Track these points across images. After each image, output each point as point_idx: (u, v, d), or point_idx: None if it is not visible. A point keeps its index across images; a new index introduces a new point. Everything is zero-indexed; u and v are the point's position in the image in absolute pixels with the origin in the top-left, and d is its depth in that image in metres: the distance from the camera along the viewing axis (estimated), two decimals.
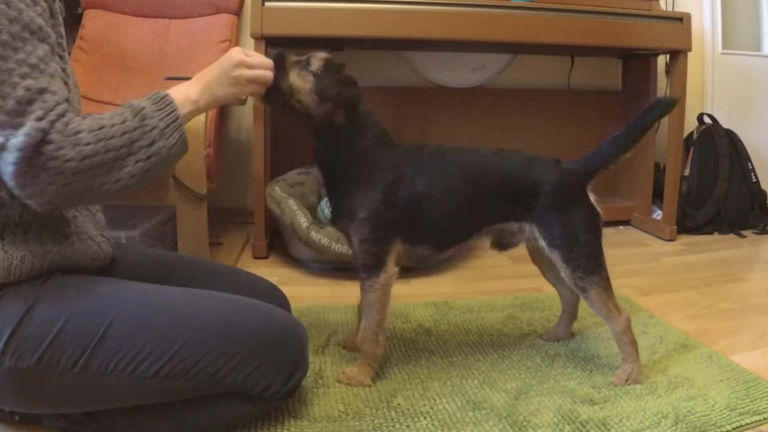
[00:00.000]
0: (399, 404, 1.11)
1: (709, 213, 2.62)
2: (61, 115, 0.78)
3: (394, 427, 1.04)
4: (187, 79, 1.94)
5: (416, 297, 1.66)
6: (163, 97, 0.92)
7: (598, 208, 1.19)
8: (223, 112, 2.29)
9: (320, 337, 1.40)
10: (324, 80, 1.11)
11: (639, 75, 2.69)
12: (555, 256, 1.16)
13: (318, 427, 1.04)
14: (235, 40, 2.32)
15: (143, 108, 0.88)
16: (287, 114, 1.15)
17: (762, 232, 2.63)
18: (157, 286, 1.00)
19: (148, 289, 0.97)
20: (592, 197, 1.20)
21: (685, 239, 2.50)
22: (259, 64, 1.06)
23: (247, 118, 2.50)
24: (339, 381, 1.19)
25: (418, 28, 2.09)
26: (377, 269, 1.16)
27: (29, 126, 0.74)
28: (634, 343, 1.20)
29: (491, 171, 1.18)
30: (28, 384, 0.86)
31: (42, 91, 0.77)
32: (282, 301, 1.21)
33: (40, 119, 0.75)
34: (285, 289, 1.25)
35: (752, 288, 1.89)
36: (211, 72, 1.02)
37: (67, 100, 0.80)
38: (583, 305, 1.40)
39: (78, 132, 0.78)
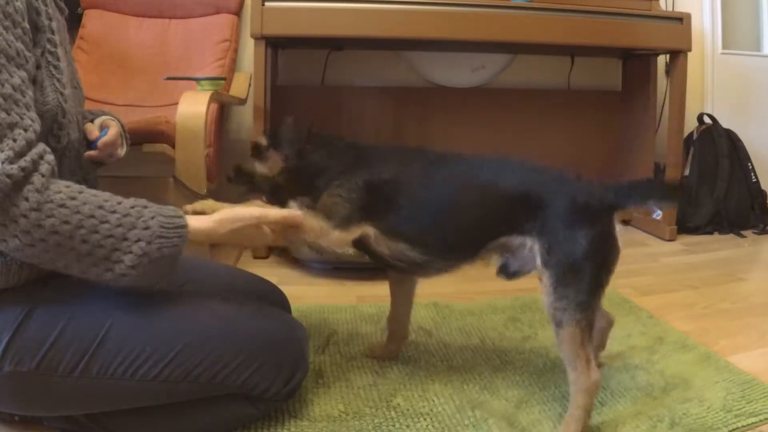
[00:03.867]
0: (398, 404, 1.11)
1: (709, 213, 2.62)
2: (38, 161, 0.74)
3: (393, 426, 1.04)
4: (188, 79, 1.94)
5: (417, 297, 1.66)
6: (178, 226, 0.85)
7: (619, 243, 1.02)
8: (223, 112, 2.29)
9: (320, 337, 1.40)
10: (278, 144, 1.17)
11: (639, 75, 2.70)
12: (545, 278, 1.00)
13: (318, 427, 1.04)
14: (235, 40, 2.33)
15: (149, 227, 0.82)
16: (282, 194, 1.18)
17: (762, 232, 2.63)
18: (156, 288, 1.00)
19: (148, 292, 0.97)
20: (618, 227, 1.03)
21: (685, 239, 2.50)
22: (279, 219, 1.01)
23: (247, 118, 2.50)
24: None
25: (418, 28, 2.09)
26: (336, 224, 1.08)
27: None
28: (589, 412, 1.01)
29: (493, 173, 1.08)
30: (29, 388, 0.86)
31: (12, 126, 0.73)
32: (282, 302, 1.21)
33: (10, 161, 0.71)
34: (285, 289, 1.25)
35: (752, 288, 1.89)
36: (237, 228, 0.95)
37: (39, 135, 0.76)
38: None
39: (60, 204, 0.75)
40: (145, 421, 0.96)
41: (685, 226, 2.57)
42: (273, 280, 1.27)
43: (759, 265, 2.23)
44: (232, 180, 1.21)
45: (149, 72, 2.22)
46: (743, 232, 2.59)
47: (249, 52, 2.29)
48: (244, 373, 0.93)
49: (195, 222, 0.89)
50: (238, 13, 2.36)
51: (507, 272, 1.11)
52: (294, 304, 1.27)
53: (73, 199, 0.77)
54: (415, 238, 1.08)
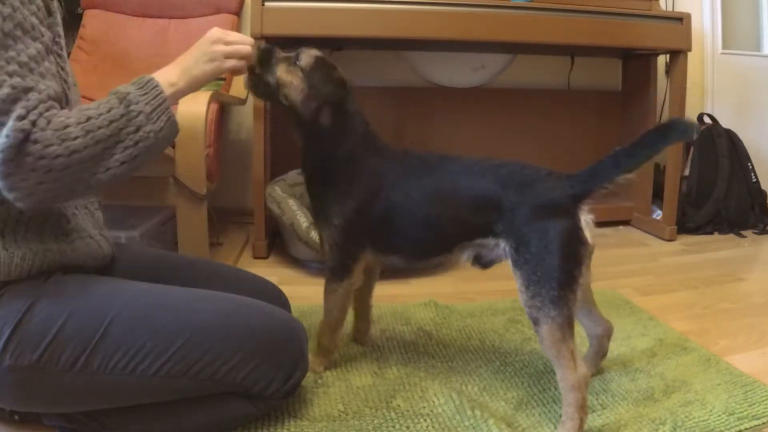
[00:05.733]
0: (398, 405, 1.11)
1: (709, 213, 2.62)
2: (44, 112, 0.76)
3: (393, 427, 1.04)
4: None
5: (416, 297, 1.66)
6: (147, 82, 0.92)
7: (586, 235, 1.01)
8: (223, 112, 2.29)
9: None
10: (314, 77, 1.11)
11: (639, 75, 2.69)
12: (517, 278, 1.02)
13: (318, 427, 1.04)
14: None
15: (128, 94, 0.87)
16: (276, 106, 1.17)
17: (762, 232, 2.62)
18: (158, 285, 1.00)
19: (149, 288, 0.97)
20: (585, 219, 1.03)
21: (685, 239, 2.50)
22: (238, 40, 1.03)
23: (247, 118, 2.50)
24: None
25: (418, 28, 2.09)
26: (342, 275, 1.18)
27: (9, 126, 0.73)
28: (582, 408, 0.99)
29: (467, 183, 1.10)
30: (29, 382, 0.86)
31: (27, 90, 0.76)
32: (282, 301, 1.21)
33: (21, 118, 0.74)
34: (285, 289, 1.25)
35: (752, 288, 1.89)
36: (189, 54, 1.02)
37: (54, 98, 0.79)
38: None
39: (66, 126, 0.77)
40: (145, 419, 0.96)
41: (685, 226, 2.57)
42: (273, 280, 1.26)
43: (759, 265, 2.23)
44: (255, 50, 1.10)
45: (149, 72, 2.20)
46: (743, 232, 2.60)
47: None
48: (243, 370, 0.93)
49: (161, 77, 0.96)
50: (238, 13, 2.36)
51: (481, 263, 1.15)
52: (294, 304, 1.27)
53: (86, 133, 0.80)
54: (403, 251, 1.18)
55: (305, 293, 1.73)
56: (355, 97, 1.18)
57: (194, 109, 1.60)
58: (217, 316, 0.95)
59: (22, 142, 0.74)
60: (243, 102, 2.25)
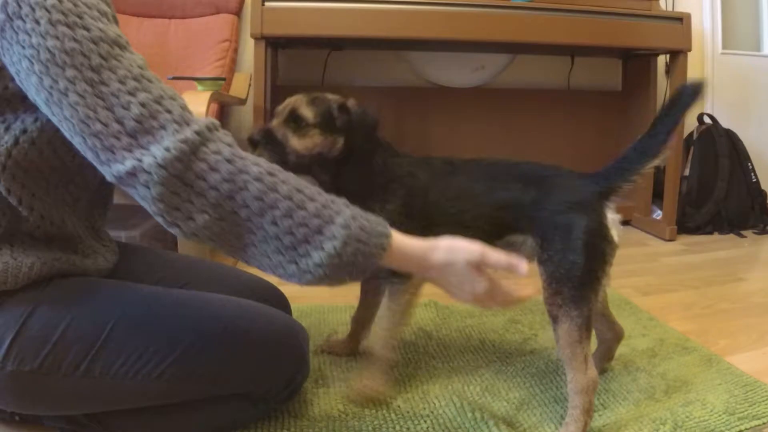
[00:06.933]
0: (399, 406, 1.11)
1: (709, 213, 2.62)
2: (211, 128, 0.69)
3: (393, 428, 1.04)
4: (191, 79, 1.93)
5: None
6: (379, 236, 0.75)
7: (613, 234, 1.00)
8: (222, 112, 2.29)
9: (320, 337, 1.39)
10: (329, 124, 1.09)
11: (639, 75, 2.70)
12: (540, 274, 1.02)
13: (318, 427, 1.04)
14: (235, 40, 2.32)
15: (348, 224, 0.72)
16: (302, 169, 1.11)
17: (762, 232, 2.63)
18: (159, 288, 1.00)
19: (150, 292, 0.97)
20: (612, 217, 1.02)
21: (685, 239, 2.50)
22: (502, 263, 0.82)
23: (247, 118, 2.50)
24: (352, 401, 1.12)
25: (418, 28, 2.09)
26: (404, 276, 1.11)
27: (168, 140, 0.66)
28: (587, 411, 0.99)
29: (492, 183, 1.10)
30: (31, 387, 0.86)
31: (158, 99, 0.69)
32: (282, 302, 1.21)
33: (177, 127, 0.67)
34: (285, 289, 1.24)
35: (752, 288, 1.89)
36: (450, 269, 0.83)
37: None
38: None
39: (256, 177, 0.68)
40: (146, 420, 0.96)
41: (685, 226, 2.57)
42: (272, 280, 1.26)
43: (759, 265, 2.23)
44: (256, 143, 1.07)
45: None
46: (743, 232, 2.60)
47: (249, 52, 2.29)
48: (244, 374, 0.94)
49: (402, 237, 0.78)
50: (238, 13, 2.36)
51: None
52: (294, 304, 1.26)
53: (272, 175, 0.70)
54: None
55: (305, 293, 1.72)
56: (367, 107, 1.15)
57: (194, 109, 1.57)
58: (218, 321, 0.95)
59: (193, 161, 0.66)
60: (243, 102, 2.25)
